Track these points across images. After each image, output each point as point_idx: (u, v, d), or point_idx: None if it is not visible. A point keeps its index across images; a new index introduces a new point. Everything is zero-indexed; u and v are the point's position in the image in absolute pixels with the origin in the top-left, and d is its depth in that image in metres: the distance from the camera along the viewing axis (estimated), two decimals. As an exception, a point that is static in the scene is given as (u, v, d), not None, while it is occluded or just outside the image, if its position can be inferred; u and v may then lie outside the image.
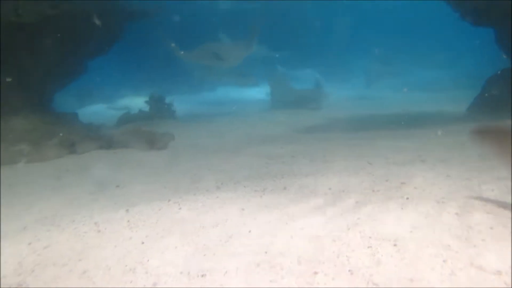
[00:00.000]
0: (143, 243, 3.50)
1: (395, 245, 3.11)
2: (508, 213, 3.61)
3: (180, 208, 4.37)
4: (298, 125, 11.56)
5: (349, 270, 2.78)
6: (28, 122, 8.54)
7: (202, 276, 2.85)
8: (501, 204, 3.83)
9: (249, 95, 23.07)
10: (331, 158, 6.67)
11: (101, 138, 9.29)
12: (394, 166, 5.75)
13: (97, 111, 19.91)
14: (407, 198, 4.18)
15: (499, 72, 10.64)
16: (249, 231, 3.60)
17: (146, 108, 14.34)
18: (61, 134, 8.58)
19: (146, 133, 9.44)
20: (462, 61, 28.05)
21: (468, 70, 23.34)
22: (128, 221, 4.07)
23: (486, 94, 10.44)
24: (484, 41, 16.11)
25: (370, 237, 3.28)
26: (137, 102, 17.53)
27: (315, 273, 2.78)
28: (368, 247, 3.11)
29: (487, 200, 3.96)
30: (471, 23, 11.23)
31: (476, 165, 5.42)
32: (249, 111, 16.22)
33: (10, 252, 3.41)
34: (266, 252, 3.15)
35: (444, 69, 27.04)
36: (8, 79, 8.05)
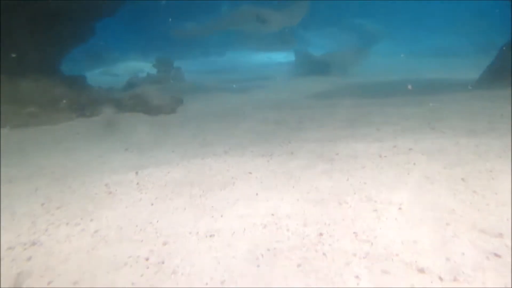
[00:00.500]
0: (152, 204, 3.58)
1: (400, 208, 3.15)
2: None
3: (188, 172, 4.44)
4: (309, 91, 11.46)
5: (353, 232, 2.84)
6: (38, 85, 8.55)
7: (211, 236, 2.93)
8: (506, 171, 3.83)
9: (260, 59, 22.70)
10: (340, 125, 6.65)
11: (109, 102, 9.34)
12: (403, 132, 5.72)
13: (105, 73, 19.87)
14: (414, 164, 4.19)
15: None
16: (256, 194, 3.66)
17: (154, 71, 14.27)
18: (67, 99, 8.61)
19: (154, 97, 9.45)
20: (477, 28, 27.16)
21: (483, 37, 22.66)
22: (138, 183, 4.16)
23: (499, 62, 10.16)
24: (503, 7, 15.46)
25: (375, 201, 3.32)
26: (145, 66, 17.41)
27: (320, 234, 2.85)
28: (373, 211, 3.16)
29: (493, 167, 3.96)
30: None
31: (485, 133, 5.37)
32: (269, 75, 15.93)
33: (24, 212, 3.52)
34: (272, 215, 3.22)
35: (459, 35, 26.30)
36: (13, 55, 7.99)
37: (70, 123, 8.16)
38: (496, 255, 2.47)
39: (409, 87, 9.39)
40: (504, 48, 10.41)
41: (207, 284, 2.32)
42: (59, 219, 3.34)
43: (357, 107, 8.36)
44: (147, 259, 2.65)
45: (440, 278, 2.26)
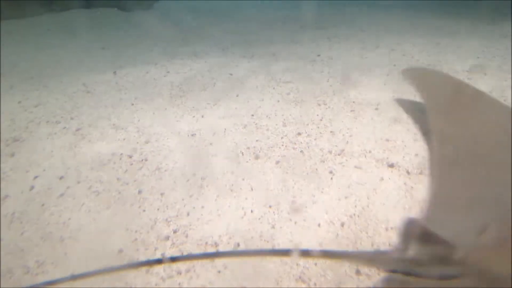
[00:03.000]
0: (132, 104, 3.57)
1: (376, 109, 3.25)
2: (487, 79, 3.70)
3: (168, 72, 4.36)
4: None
5: (330, 131, 2.95)
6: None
7: (192, 135, 3.00)
8: (482, 71, 3.90)
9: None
10: (324, 25, 6.45)
11: (80, -5, 8.67)
12: (387, 33, 5.61)
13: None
14: (394, 65, 4.21)
15: None
16: (237, 95, 3.67)
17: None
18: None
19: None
20: None
21: None
22: (117, 83, 4.08)
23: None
24: None
25: (353, 102, 3.39)
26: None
27: (299, 134, 2.95)
28: (351, 111, 3.24)
29: (469, 67, 4.01)
30: None
31: (467, 35, 5.33)
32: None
33: (1, 110, 3.47)
34: (252, 115, 3.27)
35: None
36: None
37: (39, 18, 7.65)
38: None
39: None
40: None
41: (188, 180, 2.44)
42: (39, 117, 3.33)
43: (343, 6, 8.04)
44: (130, 157, 2.73)
45: (408, 172, 2.43)
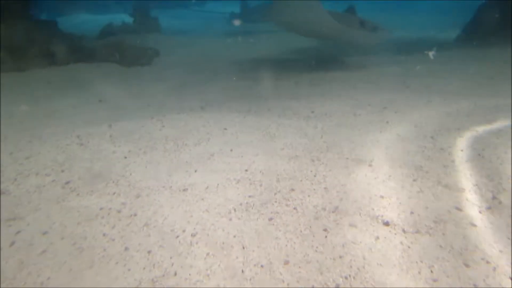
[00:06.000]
0: (126, 157, 3.54)
1: (370, 165, 3.23)
2: (479, 136, 3.73)
3: (163, 126, 4.38)
4: (287, 48, 11.25)
5: (324, 188, 2.91)
6: (5, 29, 8.06)
7: (184, 190, 2.94)
8: (473, 129, 3.95)
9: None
10: (316, 82, 6.63)
11: (82, 50, 8.95)
12: (378, 91, 5.76)
13: (78, 20, 18.91)
14: (387, 122, 4.26)
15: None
16: (231, 150, 3.66)
17: (129, 20, 13.64)
18: (37, 46, 8.18)
19: (130, 47, 9.11)
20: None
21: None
22: (111, 136, 4.08)
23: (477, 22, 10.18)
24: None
25: (347, 158, 3.39)
26: (121, 14, 16.58)
27: (292, 190, 2.90)
28: (344, 167, 3.22)
29: (461, 125, 4.06)
30: None
31: (457, 92, 5.48)
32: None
33: (-8, 162, 3.43)
34: (246, 170, 3.24)
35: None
36: None
37: (40, 71, 7.82)
38: (457, 208, 2.59)
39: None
40: (480, 7, 10.39)
41: (178, 237, 2.35)
42: (28, 169, 3.28)
43: (334, 64, 8.32)
44: (119, 211, 2.65)
45: (404, 231, 2.37)
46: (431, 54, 7.78)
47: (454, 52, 9.24)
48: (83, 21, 19.15)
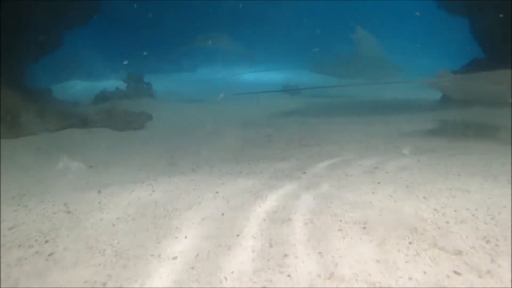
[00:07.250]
0: (113, 225, 3.45)
1: (364, 227, 3.17)
2: (470, 197, 3.72)
3: (153, 190, 4.33)
4: (275, 109, 11.53)
5: (319, 253, 2.82)
6: (-1, 96, 8.17)
7: (173, 258, 2.84)
8: (465, 188, 3.95)
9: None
10: (306, 143, 6.72)
11: (75, 116, 9.04)
12: (368, 152, 5.82)
13: (72, 87, 19.36)
14: (379, 183, 4.26)
15: (470, 62, 10.84)
16: (222, 214, 3.59)
17: (123, 86, 13.98)
18: (29, 112, 8.27)
19: (123, 112, 9.25)
20: (434, 52, 28.73)
21: (442, 61, 23.76)
22: (99, 202, 4.00)
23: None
24: (458, 32, 16.07)
25: (340, 221, 3.33)
26: (115, 80, 17.04)
27: (286, 255, 2.81)
28: (338, 230, 3.15)
29: (453, 185, 4.07)
30: (447, 11, 11.42)
31: (446, 152, 5.56)
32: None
33: (-26, 233, 3.31)
34: (238, 235, 3.16)
35: (420, 57, 27.52)
36: None
37: (32, 137, 7.81)
38: (456, 272, 2.51)
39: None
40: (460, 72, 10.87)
41: (166, 310, 2.22)
42: (11, 240, 3.15)
43: (322, 125, 8.49)
44: (104, 284, 2.52)
45: (403, 300, 2.26)
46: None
47: (440, 112, 9.52)
48: (78, 88, 19.62)
